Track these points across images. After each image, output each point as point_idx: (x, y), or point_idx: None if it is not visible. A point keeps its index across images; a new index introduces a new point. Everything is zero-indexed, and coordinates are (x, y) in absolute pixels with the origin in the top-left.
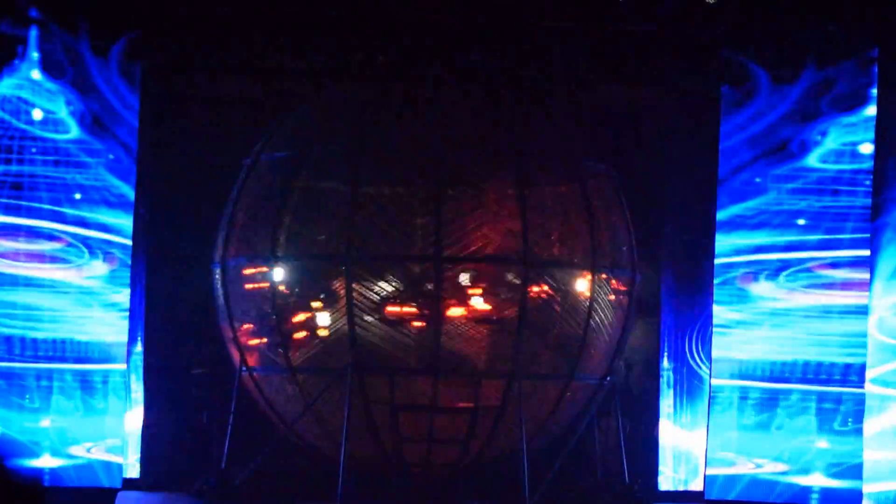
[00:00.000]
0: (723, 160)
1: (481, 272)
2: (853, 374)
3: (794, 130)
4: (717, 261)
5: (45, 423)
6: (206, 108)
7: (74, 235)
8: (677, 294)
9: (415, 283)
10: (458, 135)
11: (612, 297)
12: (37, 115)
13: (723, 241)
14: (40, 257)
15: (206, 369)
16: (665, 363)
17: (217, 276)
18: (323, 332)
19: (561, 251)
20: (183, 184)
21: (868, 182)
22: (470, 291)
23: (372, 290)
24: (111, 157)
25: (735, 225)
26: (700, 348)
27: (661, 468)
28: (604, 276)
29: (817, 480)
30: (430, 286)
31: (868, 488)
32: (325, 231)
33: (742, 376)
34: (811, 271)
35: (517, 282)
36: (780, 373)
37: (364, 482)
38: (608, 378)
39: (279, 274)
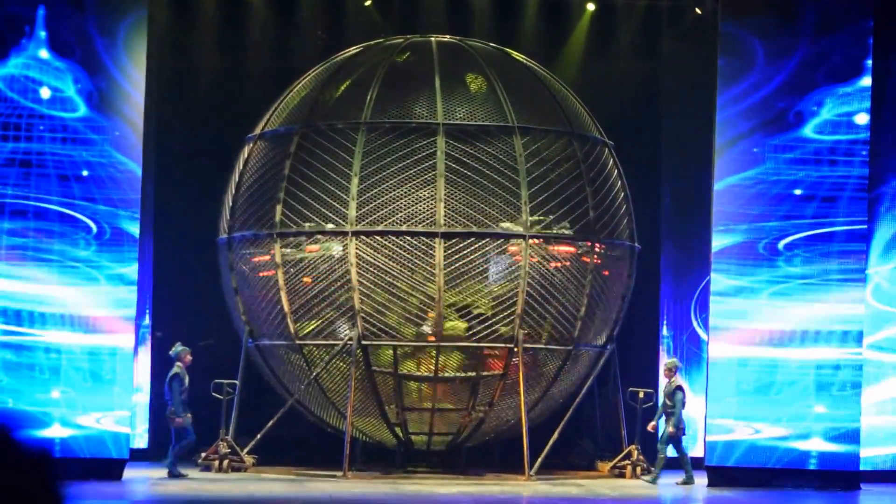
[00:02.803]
0: (720, 131)
1: (483, 245)
2: (851, 340)
3: (791, 101)
4: (714, 230)
5: (55, 394)
6: (211, 85)
7: (82, 211)
8: (676, 263)
9: (418, 257)
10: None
11: (612, 266)
12: (45, 93)
13: (721, 211)
14: (49, 233)
15: (213, 341)
16: (664, 331)
17: (223, 250)
18: (327, 304)
19: (561, 223)
20: (188, 159)
21: (865, 152)
22: (473, 264)
23: (376, 263)
24: (117, 133)
25: (733, 194)
26: (699, 316)
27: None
28: (603, 246)
29: (816, 445)
30: (433, 259)
31: (865, 452)
32: (327, 204)
33: (741, 343)
34: (809, 240)
35: (519, 254)
36: (779, 339)
37: (369, 451)
38: (608, 346)
39: (284, 246)
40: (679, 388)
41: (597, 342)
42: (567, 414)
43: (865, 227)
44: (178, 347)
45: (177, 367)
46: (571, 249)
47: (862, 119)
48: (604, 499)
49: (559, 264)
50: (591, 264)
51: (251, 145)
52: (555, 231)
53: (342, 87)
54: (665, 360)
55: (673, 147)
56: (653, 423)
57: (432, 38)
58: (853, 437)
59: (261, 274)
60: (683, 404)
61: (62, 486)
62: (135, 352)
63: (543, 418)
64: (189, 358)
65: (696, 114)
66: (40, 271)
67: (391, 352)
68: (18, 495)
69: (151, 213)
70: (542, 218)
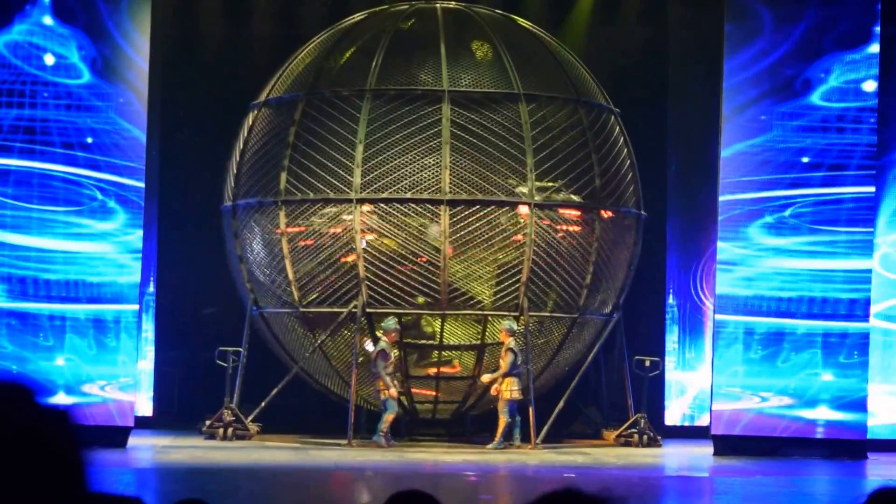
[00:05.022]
0: (727, 98)
1: (489, 213)
2: (858, 309)
3: (798, 68)
4: (721, 198)
5: (60, 361)
6: (216, 51)
7: (87, 178)
8: (682, 231)
9: (424, 225)
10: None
11: (618, 234)
12: (48, 59)
13: (728, 179)
14: (53, 200)
15: (218, 309)
16: (670, 300)
17: (227, 217)
18: (332, 272)
19: (568, 190)
20: (193, 126)
21: (872, 120)
22: (478, 231)
23: (382, 231)
24: (122, 100)
25: (740, 162)
26: (705, 285)
27: (667, 403)
28: (610, 214)
29: (822, 414)
30: (438, 226)
31: (872, 421)
32: (332, 172)
33: (747, 312)
34: (816, 208)
35: (524, 221)
36: (786, 308)
37: (373, 419)
38: (614, 314)
39: (288, 214)
40: (510, 349)
41: (603, 310)
42: (573, 382)
43: (873, 194)
44: (390, 322)
45: (384, 342)
46: (577, 213)
47: (870, 86)
48: (610, 467)
49: (566, 229)
50: (597, 232)
51: (256, 112)
52: (560, 198)
53: (347, 54)
54: (508, 323)
55: (680, 114)
56: (495, 385)
57: (437, 5)
58: (860, 405)
59: (265, 241)
60: (514, 366)
61: (84, 444)
62: (139, 319)
63: (549, 387)
64: (394, 336)
65: (702, 81)
66: (44, 238)
67: (396, 320)
68: (42, 452)
69: (156, 180)
70: (549, 184)
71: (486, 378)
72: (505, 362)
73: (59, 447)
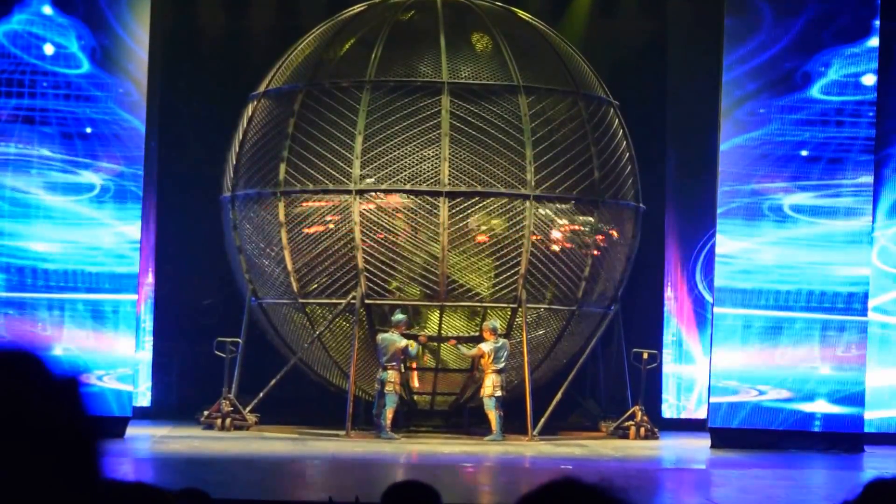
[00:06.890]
0: (726, 91)
1: (487, 205)
2: (856, 302)
3: (798, 62)
4: (720, 190)
5: (58, 351)
6: (215, 42)
7: (85, 168)
8: (680, 224)
9: (423, 216)
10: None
11: (617, 227)
12: (48, 49)
13: (726, 172)
14: (52, 189)
15: (216, 300)
16: (668, 292)
17: (226, 208)
18: (331, 263)
19: (565, 183)
20: (192, 117)
21: (871, 113)
22: (476, 223)
23: (380, 223)
24: (121, 91)
25: (739, 155)
26: (703, 277)
27: (664, 396)
28: (608, 206)
29: (820, 407)
30: (437, 219)
31: (870, 414)
32: (331, 163)
33: (746, 305)
34: (814, 201)
35: (523, 213)
36: (785, 301)
37: (371, 411)
38: (612, 307)
39: (287, 205)
40: (482, 347)
41: (601, 303)
42: (570, 375)
43: (871, 188)
44: (399, 316)
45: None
46: (577, 211)
47: (869, 80)
48: (607, 460)
49: (565, 226)
50: (595, 225)
51: (255, 103)
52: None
53: (346, 45)
54: (491, 322)
55: (679, 107)
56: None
57: None
58: (858, 399)
59: (264, 232)
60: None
61: (91, 412)
62: (137, 310)
63: (547, 379)
64: (402, 328)
65: (702, 74)
66: (43, 228)
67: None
68: (48, 419)
69: (155, 171)
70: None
71: (458, 343)
72: (471, 352)
73: (66, 422)
